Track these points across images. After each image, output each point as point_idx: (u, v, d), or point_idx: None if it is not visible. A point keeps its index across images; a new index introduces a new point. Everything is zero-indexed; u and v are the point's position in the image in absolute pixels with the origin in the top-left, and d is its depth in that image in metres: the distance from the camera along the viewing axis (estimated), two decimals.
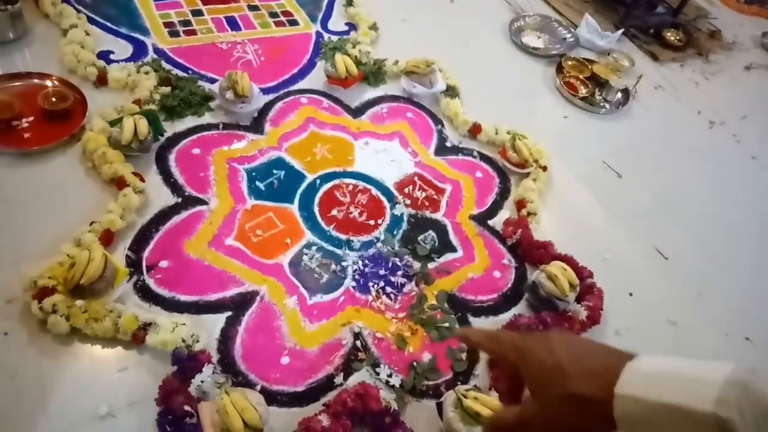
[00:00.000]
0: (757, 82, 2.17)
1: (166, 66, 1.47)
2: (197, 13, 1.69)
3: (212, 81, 1.46)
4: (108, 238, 1.08)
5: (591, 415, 0.44)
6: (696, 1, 2.42)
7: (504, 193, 1.44)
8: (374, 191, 1.35)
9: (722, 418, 0.37)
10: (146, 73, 1.40)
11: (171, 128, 1.34)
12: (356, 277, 1.17)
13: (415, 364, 1.06)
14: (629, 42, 2.15)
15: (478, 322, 1.16)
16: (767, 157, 1.83)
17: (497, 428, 0.52)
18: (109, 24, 1.56)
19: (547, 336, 0.50)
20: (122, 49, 1.50)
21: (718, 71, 2.15)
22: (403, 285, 1.18)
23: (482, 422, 0.71)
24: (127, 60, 1.46)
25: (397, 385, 1.03)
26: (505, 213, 1.38)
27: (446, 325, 1.13)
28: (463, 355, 1.10)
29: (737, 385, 0.38)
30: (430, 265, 1.23)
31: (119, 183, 1.16)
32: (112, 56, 1.47)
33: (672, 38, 2.17)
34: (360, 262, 1.20)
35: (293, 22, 1.75)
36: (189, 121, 1.37)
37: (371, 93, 1.60)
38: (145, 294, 1.05)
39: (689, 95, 1.99)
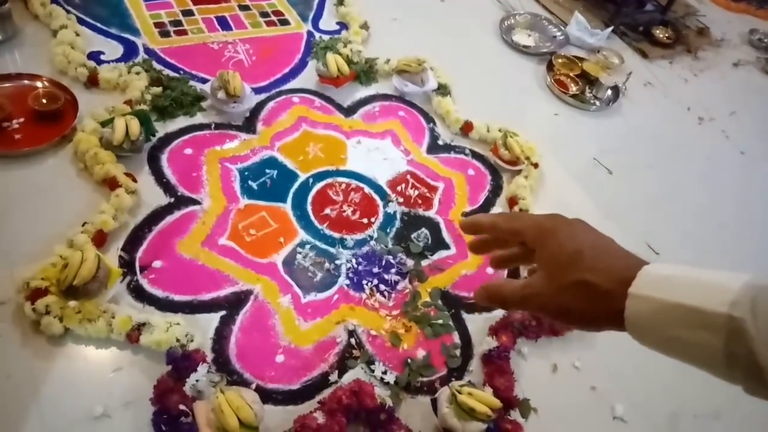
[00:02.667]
0: (745, 79, 2.19)
1: (157, 66, 1.46)
2: (188, 13, 1.68)
3: (204, 81, 1.46)
4: (101, 239, 1.08)
5: (600, 306, 0.44)
6: None
7: (496, 190, 1.45)
8: (367, 189, 1.35)
9: (734, 317, 0.37)
10: (137, 73, 1.40)
11: (163, 128, 1.33)
12: (350, 275, 1.18)
13: (409, 360, 1.07)
14: (619, 40, 2.16)
15: (472, 319, 1.17)
16: (756, 152, 1.85)
17: (492, 296, 0.51)
18: (99, 25, 1.56)
19: (571, 222, 0.50)
20: (113, 49, 1.50)
21: (706, 68, 2.17)
22: (396, 282, 1.19)
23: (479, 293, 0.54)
24: (117, 60, 1.46)
25: (392, 382, 1.03)
26: (498, 210, 1.39)
27: (440, 322, 1.14)
28: (457, 352, 1.10)
29: (753, 288, 0.38)
30: (424, 263, 1.23)
31: (111, 184, 1.16)
32: (102, 57, 1.46)
33: (661, 36, 2.19)
34: (353, 260, 1.20)
35: (284, 22, 1.75)
36: (181, 121, 1.37)
37: (363, 92, 1.61)
38: (139, 294, 1.05)
39: (678, 92, 2.01)
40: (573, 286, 0.45)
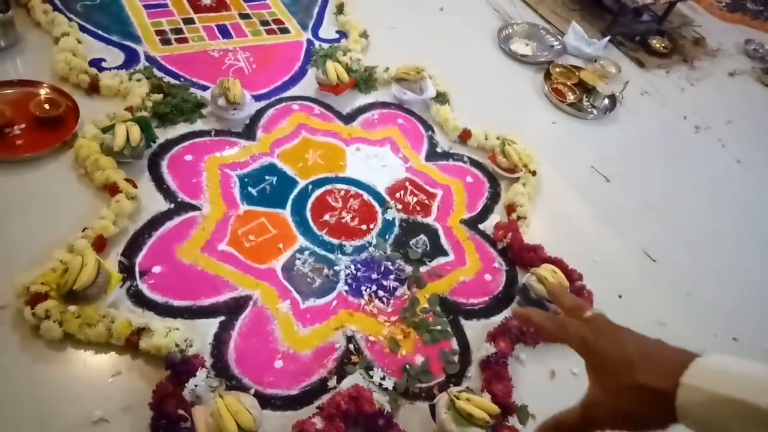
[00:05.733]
0: (741, 88, 2.20)
1: (158, 73, 1.48)
2: (189, 21, 1.70)
3: (204, 88, 1.47)
4: (101, 244, 1.08)
5: (654, 405, 0.44)
6: (681, 9, 2.47)
7: (494, 197, 1.46)
8: (366, 196, 1.36)
9: None
10: (138, 80, 1.41)
11: (163, 135, 1.34)
12: (349, 281, 1.18)
13: (407, 366, 1.07)
14: (616, 49, 2.18)
15: (470, 325, 1.17)
16: (752, 161, 1.86)
17: (565, 430, 0.51)
18: (100, 32, 1.57)
19: (615, 331, 0.51)
20: (114, 56, 1.51)
21: (702, 77, 2.19)
22: (395, 289, 1.19)
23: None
24: (119, 68, 1.47)
25: (390, 388, 1.03)
26: (496, 217, 1.39)
27: (438, 328, 1.14)
28: (455, 358, 1.11)
29: None
30: (422, 269, 1.24)
31: (112, 189, 1.16)
32: (104, 64, 1.47)
33: (657, 45, 2.21)
34: (352, 267, 1.21)
35: (284, 30, 1.77)
36: (181, 128, 1.38)
37: (362, 99, 1.62)
38: (139, 299, 1.05)
39: (675, 101, 2.02)
40: (626, 390, 0.46)
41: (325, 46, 1.74)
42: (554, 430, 0.52)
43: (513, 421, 1.02)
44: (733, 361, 0.42)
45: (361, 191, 1.37)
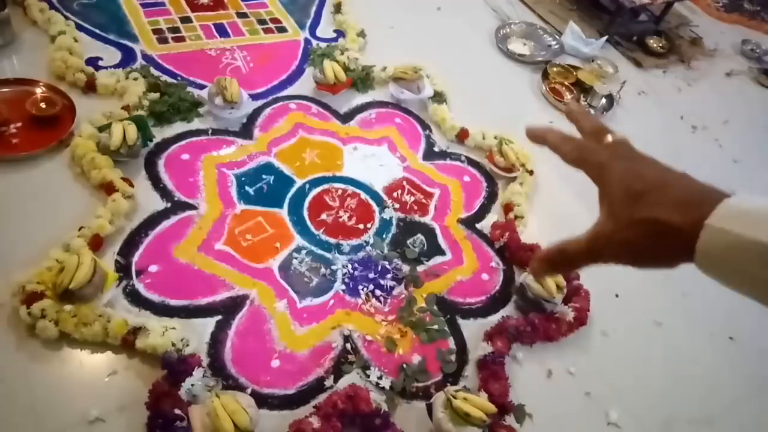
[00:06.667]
0: (738, 88, 2.21)
1: (155, 72, 1.47)
2: (186, 20, 1.69)
3: (201, 87, 1.46)
4: (97, 243, 1.08)
5: (670, 243, 0.41)
6: (678, 9, 2.47)
7: (491, 197, 1.46)
8: (363, 195, 1.36)
9: None
10: (135, 79, 1.41)
11: (160, 134, 1.34)
12: (346, 280, 1.18)
13: (404, 365, 1.07)
14: (613, 49, 2.18)
15: (467, 324, 1.17)
16: (749, 161, 1.86)
17: (556, 262, 0.48)
18: (97, 31, 1.56)
19: (638, 158, 0.47)
20: (111, 55, 1.50)
21: (700, 77, 2.19)
22: (392, 288, 1.19)
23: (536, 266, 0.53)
24: (115, 66, 1.47)
25: (387, 387, 1.03)
26: (493, 216, 1.40)
27: (435, 327, 1.14)
28: (452, 357, 1.11)
29: None
30: (419, 268, 1.24)
31: (108, 188, 1.16)
32: (100, 62, 1.47)
33: (655, 45, 2.21)
34: (349, 266, 1.21)
35: (282, 29, 1.77)
36: (178, 127, 1.37)
37: (360, 99, 1.62)
38: (135, 298, 1.05)
39: (672, 101, 2.03)
40: (641, 223, 0.42)
41: (323, 45, 1.74)
42: (557, 256, 0.48)
43: (510, 420, 1.02)
44: (764, 202, 0.38)
45: (358, 190, 1.37)
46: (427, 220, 1.35)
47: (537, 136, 0.53)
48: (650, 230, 0.42)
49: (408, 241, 1.29)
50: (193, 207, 1.22)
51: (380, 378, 1.04)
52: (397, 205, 1.35)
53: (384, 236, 1.28)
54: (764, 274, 0.37)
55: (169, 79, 1.47)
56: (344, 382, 1.02)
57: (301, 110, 1.52)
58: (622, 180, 0.45)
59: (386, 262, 1.23)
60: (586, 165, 0.49)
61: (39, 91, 1.33)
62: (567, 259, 0.48)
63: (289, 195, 1.31)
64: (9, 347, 0.94)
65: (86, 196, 1.18)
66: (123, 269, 1.08)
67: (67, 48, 1.42)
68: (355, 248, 1.24)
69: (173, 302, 1.06)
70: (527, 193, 1.44)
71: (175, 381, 0.92)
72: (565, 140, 0.50)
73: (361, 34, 1.79)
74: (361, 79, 1.63)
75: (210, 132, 1.39)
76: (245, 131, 1.42)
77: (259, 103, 1.50)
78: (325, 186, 1.35)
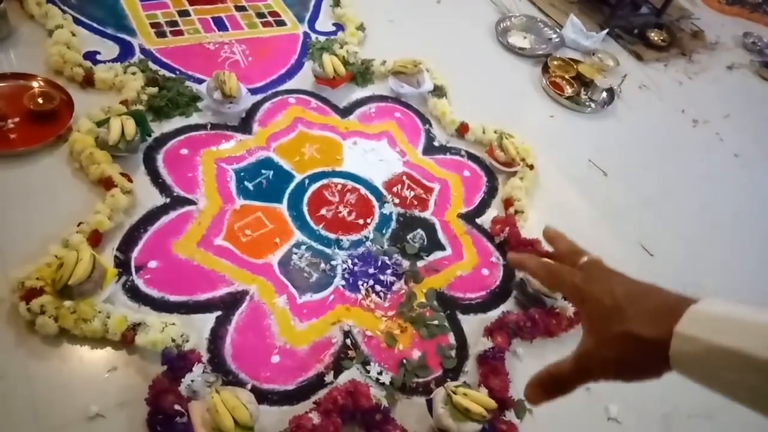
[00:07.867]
0: (739, 82, 2.20)
1: (153, 66, 1.46)
2: (184, 13, 1.68)
3: (200, 81, 1.45)
4: (96, 239, 1.08)
5: (646, 354, 0.43)
6: (679, 1, 2.46)
7: (491, 191, 1.45)
8: (363, 190, 1.36)
9: None
10: (133, 73, 1.40)
11: (158, 129, 1.33)
12: (346, 275, 1.18)
13: (404, 361, 1.07)
14: (614, 42, 2.17)
15: (467, 320, 1.17)
16: (749, 154, 1.86)
17: (551, 387, 0.49)
18: (95, 25, 1.55)
19: (607, 277, 0.49)
20: (109, 49, 1.50)
21: (701, 71, 2.18)
22: (392, 283, 1.19)
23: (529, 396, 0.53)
24: (113, 60, 1.46)
25: (387, 383, 1.03)
26: (493, 211, 1.39)
27: (435, 322, 1.14)
28: (453, 352, 1.11)
29: None
30: (419, 264, 1.24)
31: (107, 183, 1.15)
32: (98, 57, 1.46)
33: (656, 38, 2.20)
34: (349, 261, 1.20)
35: (280, 23, 1.76)
36: (177, 122, 1.37)
37: (359, 93, 1.61)
38: (134, 294, 1.05)
39: (673, 94, 2.02)
40: (617, 338, 0.45)
41: (322, 38, 1.73)
42: (547, 381, 0.50)
43: (510, 415, 1.02)
44: (729, 308, 0.40)
45: (358, 185, 1.36)
46: (427, 215, 1.35)
47: (517, 263, 0.56)
48: (627, 344, 0.44)
49: (408, 237, 1.28)
50: (192, 202, 1.22)
51: (380, 373, 1.04)
52: (396, 200, 1.35)
53: (384, 231, 1.28)
54: (734, 378, 0.39)
55: (168, 74, 1.46)
56: (344, 378, 1.02)
57: (301, 104, 1.51)
58: (596, 300, 0.47)
59: (386, 258, 1.23)
60: (563, 288, 0.52)
61: (36, 85, 1.32)
62: (559, 384, 0.49)
63: (289, 190, 1.30)
64: (8, 343, 0.94)
65: (85, 191, 1.17)
66: (122, 265, 1.08)
67: (65, 42, 1.41)
68: (355, 243, 1.24)
69: (173, 298, 1.06)
70: (527, 187, 1.44)
71: (175, 377, 0.92)
72: (542, 266, 0.53)
73: (361, 27, 1.78)
74: (361, 73, 1.62)
75: (209, 127, 1.38)
76: (244, 126, 1.41)
77: (258, 97, 1.49)
78: (325, 181, 1.35)
